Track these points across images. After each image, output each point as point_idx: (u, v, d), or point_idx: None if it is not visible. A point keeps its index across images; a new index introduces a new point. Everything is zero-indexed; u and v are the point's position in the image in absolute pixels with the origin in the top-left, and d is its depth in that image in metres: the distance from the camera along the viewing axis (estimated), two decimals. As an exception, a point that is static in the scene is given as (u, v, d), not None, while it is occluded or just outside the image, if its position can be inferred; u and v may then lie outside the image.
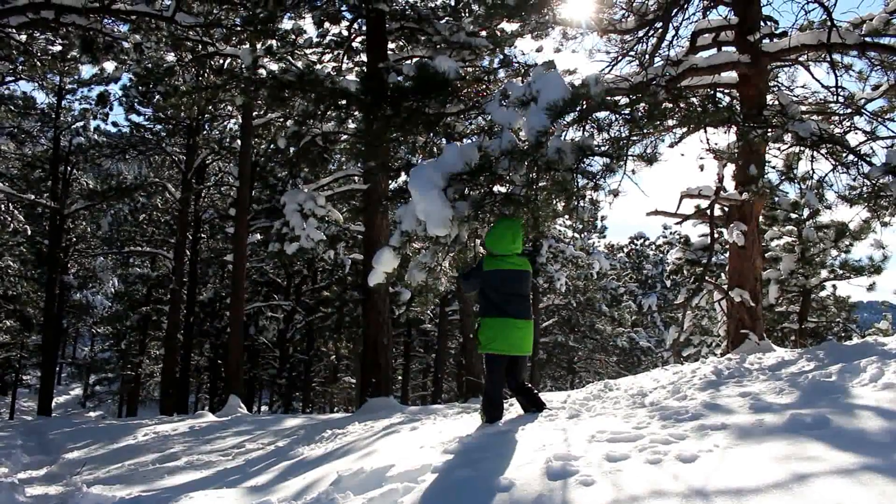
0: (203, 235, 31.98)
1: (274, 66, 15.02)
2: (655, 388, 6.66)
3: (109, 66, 21.67)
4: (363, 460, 5.73)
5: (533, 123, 6.50)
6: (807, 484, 3.19)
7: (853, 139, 11.45)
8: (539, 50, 15.87)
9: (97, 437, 13.39)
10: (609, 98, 7.54)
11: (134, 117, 28.18)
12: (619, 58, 11.78)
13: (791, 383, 5.42)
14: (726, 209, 10.54)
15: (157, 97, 24.64)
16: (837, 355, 6.45)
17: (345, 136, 15.75)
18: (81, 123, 27.83)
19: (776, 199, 17.84)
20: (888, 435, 3.75)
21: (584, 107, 6.97)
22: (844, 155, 8.62)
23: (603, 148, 6.76)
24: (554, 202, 6.84)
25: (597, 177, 6.48)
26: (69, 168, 28.56)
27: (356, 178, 18.12)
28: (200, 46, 17.78)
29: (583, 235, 34.04)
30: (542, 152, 6.22)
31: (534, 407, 6.19)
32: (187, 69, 21.11)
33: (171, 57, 19.58)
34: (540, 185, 6.69)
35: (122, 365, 35.92)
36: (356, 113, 12.92)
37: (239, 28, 17.04)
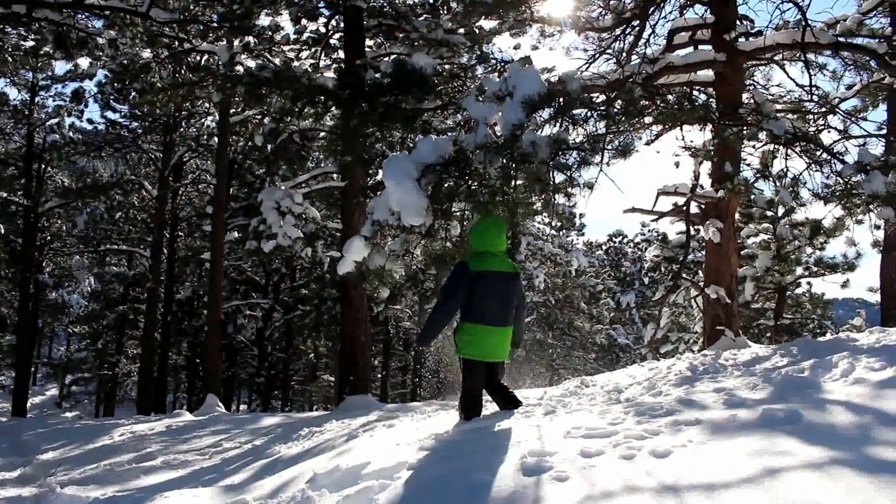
0: (180, 234, 31.77)
1: (251, 63, 14.92)
2: (631, 384, 6.69)
3: (84, 62, 21.42)
4: (339, 458, 5.71)
5: (508, 118, 6.50)
6: (777, 478, 3.22)
7: (827, 138, 11.58)
8: (517, 47, 15.94)
9: (73, 437, 13.26)
10: (585, 95, 7.57)
11: (110, 114, 27.94)
12: (597, 55, 11.85)
13: (765, 379, 5.46)
14: (702, 207, 10.62)
15: (133, 94, 24.42)
16: (810, 351, 6.50)
17: (322, 133, 15.69)
18: (56, 120, 27.52)
19: (752, 196, 17.97)
20: (857, 429, 3.78)
21: (561, 103, 6.98)
22: (818, 153, 8.70)
23: (578, 142, 6.78)
24: (530, 195, 6.84)
25: (572, 169, 6.48)
26: (43, 166, 28.22)
27: (334, 175, 18.07)
28: (177, 43, 17.64)
29: (561, 233, 34.17)
30: (516, 145, 6.22)
31: (510, 404, 6.18)
32: (163, 66, 20.91)
33: (147, 53, 19.40)
34: (516, 177, 6.69)
35: (99, 365, 35.59)
36: (333, 110, 12.86)
37: (216, 25, 16.94)
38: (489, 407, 6.59)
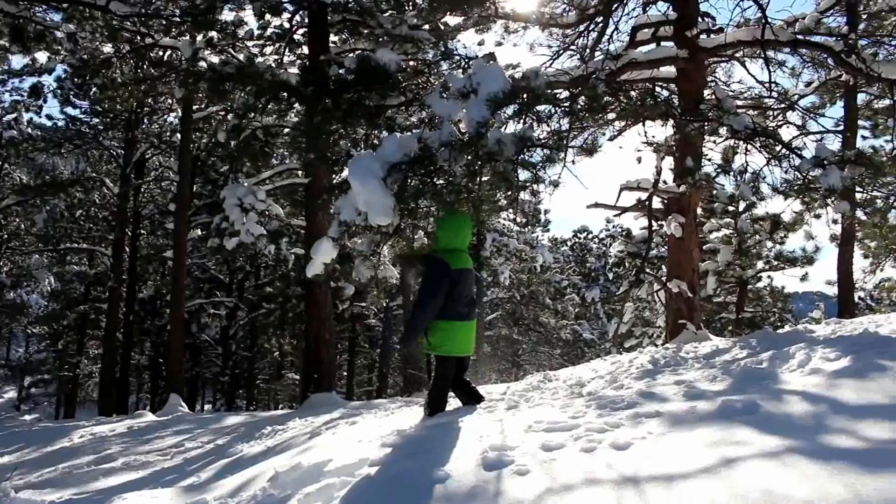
0: (143, 232, 31.32)
1: (214, 59, 14.73)
2: (594, 378, 6.73)
3: (42, 56, 20.96)
4: (301, 456, 5.67)
5: (473, 115, 6.48)
6: (734, 468, 3.25)
7: (786, 133, 11.76)
8: (481, 44, 15.98)
9: (30, 440, 12.99)
10: (549, 91, 7.58)
11: (70, 110, 27.48)
12: (561, 52, 11.90)
13: (724, 371, 5.52)
14: (665, 202, 10.72)
15: (94, 90, 23.96)
16: (769, 343, 6.59)
17: (286, 130, 15.55)
18: (13, 116, 26.93)
19: (714, 192, 18.21)
20: (813, 418, 3.84)
21: (525, 99, 6.99)
22: (777, 148, 8.82)
23: (543, 139, 6.79)
24: (496, 194, 6.85)
25: (537, 167, 6.49)
26: (0, 162, 27.66)
27: (298, 172, 17.93)
28: (138, 38, 17.35)
29: (526, 229, 34.28)
30: (482, 143, 6.21)
31: (472, 399, 6.19)
32: (125, 61, 20.56)
33: (107, 48, 19.06)
34: (481, 175, 6.68)
35: (60, 366, 34.95)
36: (297, 106, 12.74)
37: (178, 19, 16.70)
38: (452, 403, 6.59)
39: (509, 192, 6.72)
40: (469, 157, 6.37)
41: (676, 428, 4.06)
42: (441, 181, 6.55)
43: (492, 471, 3.76)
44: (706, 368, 5.88)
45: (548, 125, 7.42)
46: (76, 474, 8.61)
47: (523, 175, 6.64)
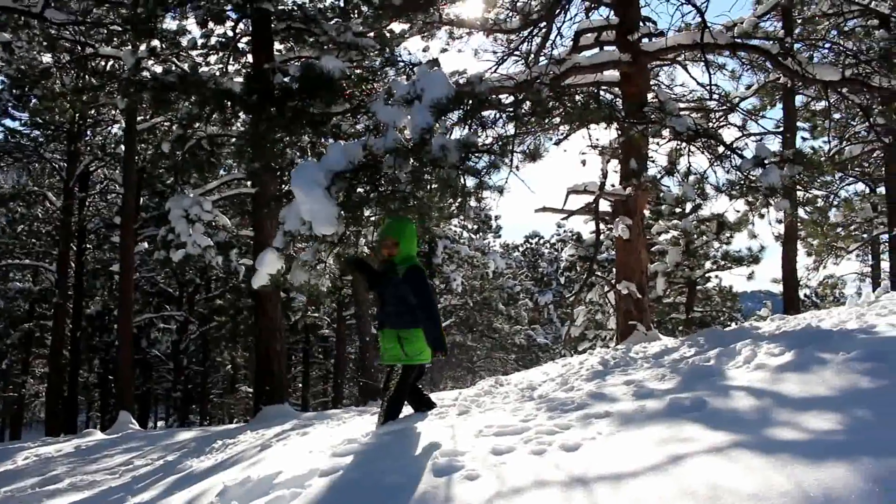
0: (89, 246, 30.62)
1: (158, 69, 14.49)
2: (545, 381, 6.75)
3: (-25, 67, 20.45)
4: (251, 469, 5.57)
5: (417, 121, 6.47)
6: (682, 465, 3.27)
7: (728, 135, 11.98)
8: (426, 50, 15.93)
9: (-28, 463, 12.60)
10: (494, 96, 7.61)
11: (8, 122, 26.75)
12: (505, 57, 11.96)
13: (672, 369, 5.58)
14: (612, 204, 10.83)
15: (34, 101, 23.39)
16: (716, 341, 6.68)
17: (232, 139, 15.35)
18: (-51, 130, 26.19)
19: (661, 194, 18.48)
20: (758, 413, 3.89)
21: (469, 105, 7.00)
22: (719, 149, 8.98)
23: (488, 145, 6.81)
24: (442, 200, 6.83)
25: (482, 173, 6.50)
26: (-63, 176, 26.88)
27: (245, 182, 17.73)
28: (79, 47, 17.00)
29: (478, 236, 34.38)
30: (426, 150, 6.19)
31: (424, 406, 6.16)
32: (66, 71, 20.12)
33: (46, 58, 18.64)
34: (426, 182, 6.66)
35: (4, 386, 33.97)
36: (242, 115, 12.59)
37: (120, 28, 16.39)
38: (404, 409, 6.54)
39: (455, 199, 6.70)
40: (414, 164, 6.34)
41: (626, 427, 4.08)
42: (386, 189, 6.52)
43: (442, 476, 3.73)
44: (655, 368, 5.94)
45: (493, 130, 7.44)
46: (19, 497, 8.35)
47: (469, 181, 6.63)
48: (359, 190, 6.48)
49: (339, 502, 3.84)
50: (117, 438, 13.79)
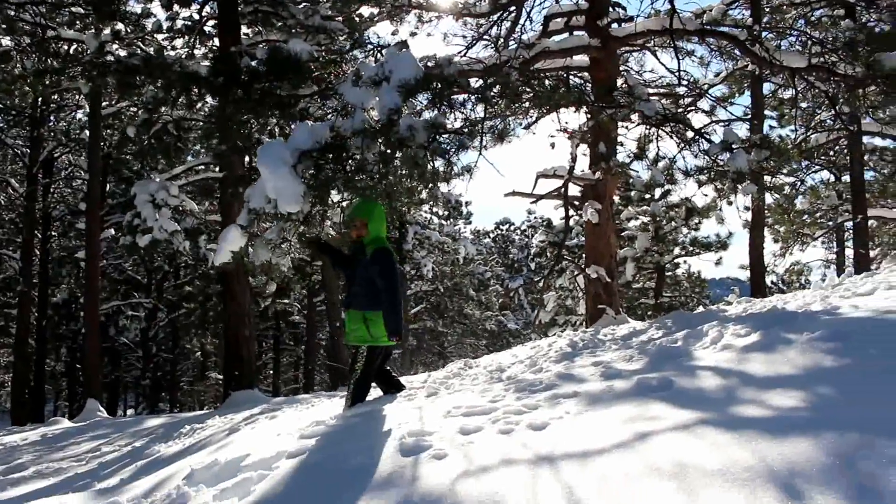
0: (53, 233, 30.14)
1: (123, 53, 14.24)
2: (514, 363, 6.76)
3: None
4: (218, 452, 5.52)
5: (385, 102, 6.43)
6: (648, 442, 3.29)
7: (696, 121, 12.05)
8: (394, 33, 15.83)
9: (-66, 452, 12.38)
10: (463, 79, 7.57)
11: (-33, 107, 26.14)
12: (474, 41, 11.92)
13: (640, 350, 5.61)
14: (581, 188, 10.85)
15: (-7, 85, 22.90)
16: (684, 323, 6.74)
17: (198, 124, 15.16)
18: None
19: (630, 180, 18.58)
20: (723, 391, 3.93)
21: (438, 87, 6.96)
22: (688, 134, 9.02)
23: (456, 126, 6.79)
24: (409, 181, 6.79)
25: (449, 153, 6.47)
26: None
27: (212, 166, 17.53)
28: (40, 30, 16.65)
29: (448, 221, 34.38)
30: (393, 130, 6.16)
31: (393, 388, 6.14)
32: (26, 55, 19.71)
33: (6, 41, 18.25)
34: (394, 163, 6.63)
35: (-32, 376, 33.50)
36: (208, 98, 12.42)
37: (83, 11, 16.09)
38: (371, 392, 6.52)
39: (423, 180, 6.67)
40: (382, 145, 6.30)
41: (593, 407, 4.10)
42: (353, 169, 6.47)
43: (409, 456, 3.72)
44: (623, 349, 5.97)
45: (461, 113, 7.41)
46: (-18, 485, 8.22)
47: (437, 163, 6.61)
48: (325, 169, 6.42)
49: (306, 483, 3.82)
50: (84, 426, 13.63)
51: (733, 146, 7.85)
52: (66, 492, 6.31)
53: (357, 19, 14.05)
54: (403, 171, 6.62)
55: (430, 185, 6.79)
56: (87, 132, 22.66)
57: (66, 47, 18.95)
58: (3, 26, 14.38)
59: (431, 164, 6.49)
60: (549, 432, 3.76)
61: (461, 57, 10.28)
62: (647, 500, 2.71)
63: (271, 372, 36.19)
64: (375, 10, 13.19)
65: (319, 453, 4.28)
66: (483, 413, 4.37)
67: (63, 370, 35.78)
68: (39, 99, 23.24)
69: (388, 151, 6.44)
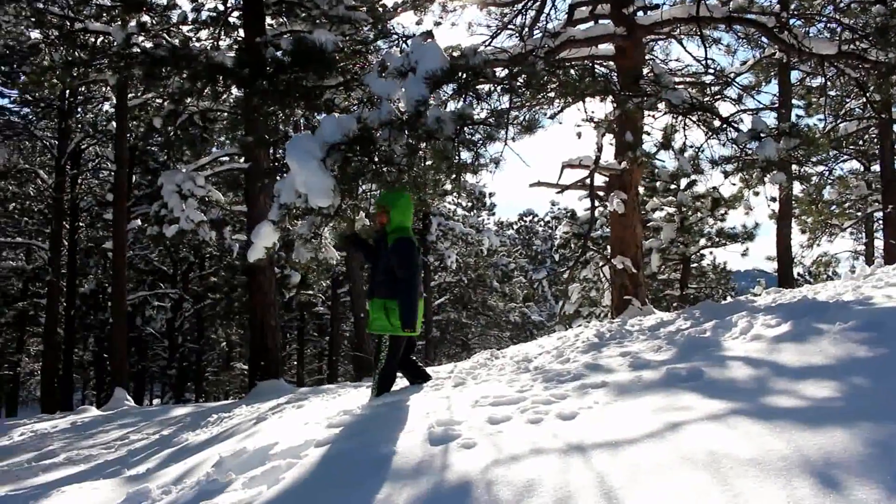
0: (81, 224, 30.44)
1: (149, 45, 14.33)
2: (540, 353, 6.74)
3: (-36, 43, 20.22)
4: (246, 441, 5.56)
5: (412, 93, 6.41)
6: (680, 432, 3.27)
7: (723, 110, 11.92)
8: (419, 23, 15.78)
9: (-33, 439, 12.59)
10: (488, 69, 7.53)
11: (-2, 100, 26.48)
12: (499, 31, 11.86)
13: (668, 341, 5.57)
14: (607, 178, 10.78)
15: (23, 78, 23.15)
16: (712, 313, 6.67)
17: (224, 114, 15.22)
18: (-64, 107, 25.89)
19: (655, 170, 18.44)
20: (755, 382, 3.88)
21: (464, 77, 6.93)
22: (715, 122, 8.92)
23: (483, 117, 6.75)
24: (437, 173, 6.78)
25: (478, 145, 6.45)
26: (-73, 155, 26.57)
27: (238, 157, 17.60)
28: (67, 23, 16.80)
29: (472, 213, 34.32)
30: (420, 122, 6.13)
31: (419, 379, 6.15)
32: (55, 47, 19.90)
33: (35, 34, 18.44)
34: (421, 153, 6.61)
35: (-1, 365, 33.97)
36: (233, 89, 12.46)
37: (109, 3, 16.20)
38: (398, 382, 6.54)
39: (451, 172, 6.64)
40: (409, 137, 6.28)
41: (622, 397, 4.07)
42: (381, 162, 6.46)
43: (438, 445, 3.72)
44: (651, 340, 5.92)
45: (487, 104, 7.38)
46: (15, 472, 8.34)
47: (464, 154, 6.59)
48: (354, 162, 6.41)
49: (335, 472, 3.84)
50: (113, 414, 13.80)
51: (762, 134, 7.75)
52: (96, 478, 6.39)
53: (380, 9, 14.02)
54: (431, 163, 6.60)
55: (458, 176, 6.76)
56: (114, 124, 22.87)
57: (93, 39, 19.11)
58: (33, 19, 14.51)
59: (459, 156, 6.47)
60: (579, 422, 3.74)
61: (486, 47, 10.24)
62: (681, 489, 2.68)
63: (295, 363, 36.37)
64: (399, 0, 13.18)
65: (348, 442, 4.29)
66: (511, 403, 4.36)
67: (91, 359, 36.20)
68: (67, 91, 23.46)
69: (416, 143, 6.42)
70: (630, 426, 3.48)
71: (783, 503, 2.42)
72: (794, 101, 18.18)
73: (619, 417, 3.68)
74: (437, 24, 12.41)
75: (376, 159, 6.60)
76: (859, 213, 22.94)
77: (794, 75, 18.46)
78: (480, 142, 6.70)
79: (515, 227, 51.47)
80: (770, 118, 17.23)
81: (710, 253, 23.97)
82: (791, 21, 11.22)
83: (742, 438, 3.01)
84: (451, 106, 7.52)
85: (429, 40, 7.29)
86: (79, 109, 26.64)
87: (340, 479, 3.70)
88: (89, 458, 8.59)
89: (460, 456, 3.51)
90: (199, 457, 5.74)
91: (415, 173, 6.64)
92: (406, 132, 6.45)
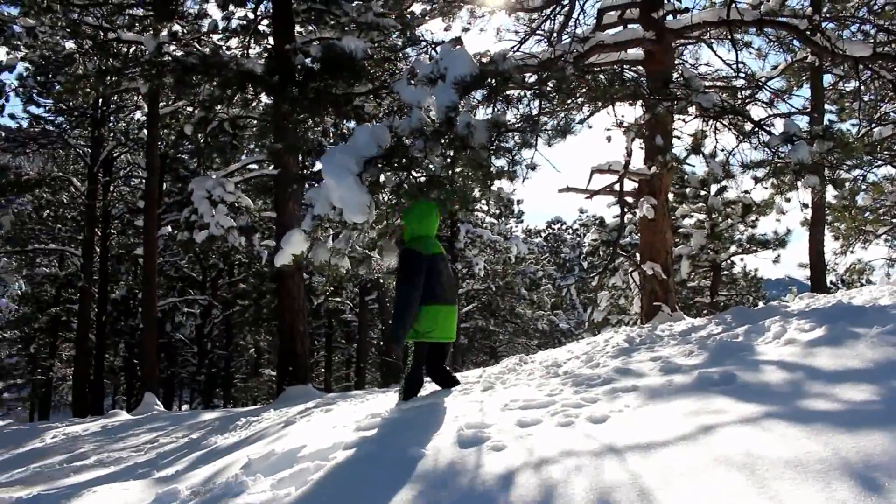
0: (113, 231, 30.85)
1: (180, 53, 14.51)
2: (569, 358, 6.69)
3: (1, 52, 20.56)
4: (274, 443, 5.56)
5: (442, 100, 6.41)
6: (713, 434, 3.21)
7: (755, 113, 11.78)
8: (447, 29, 15.80)
9: (1, 442, 12.76)
10: (518, 74, 7.52)
11: (33, 109, 26.89)
12: (528, 36, 11.85)
13: (700, 346, 5.50)
14: (636, 184, 10.71)
15: (57, 87, 23.54)
16: (744, 318, 6.58)
17: (253, 122, 15.34)
18: (-26, 115, 26.38)
19: (685, 176, 18.29)
20: (790, 385, 3.82)
21: (493, 83, 6.92)
22: (747, 126, 8.82)
23: (516, 124, 6.75)
24: (473, 183, 6.78)
25: (512, 152, 6.44)
26: (-37, 163, 27.06)
27: (267, 164, 17.73)
28: (101, 33, 17.06)
29: (500, 220, 34.25)
30: (452, 129, 6.13)
31: (448, 384, 6.13)
32: (88, 57, 20.24)
33: (69, 44, 18.75)
34: (457, 165, 6.60)
35: (32, 370, 34.41)
36: (264, 97, 12.54)
37: (141, 13, 16.44)
38: (427, 387, 6.51)
39: (485, 179, 6.63)
40: (443, 147, 6.28)
41: (654, 400, 4.02)
42: (419, 174, 6.46)
43: (468, 448, 3.69)
44: (682, 344, 5.85)
45: (518, 109, 7.37)
46: (47, 473, 8.45)
47: (498, 162, 6.59)
48: (391, 177, 6.43)
49: (364, 473, 3.82)
50: (142, 418, 13.91)
51: (794, 137, 7.65)
52: (126, 479, 6.43)
53: (409, 16, 14.05)
54: (467, 173, 6.59)
55: (490, 184, 6.75)
56: (146, 132, 23.16)
57: (125, 49, 19.41)
58: (68, 30, 14.77)
59: (492, 163, 6.46)
60: (610, 424, 3.70)
61: (514, 52, 10.23)
62: (716, 490, 2.64)
63: (323, 370, 36.50)
64: (427, 7, 13.21)
65: (377, 444, 4.27)
66: (541, 406, 4.32)
67: (121, 365, 36.58)
68: (100, 100, 23.84)
69: (451, 154, 6.42)
70: (662, 429, 3.43)
71: (822, 506, 2.37)
72: (826, 107, 17.93)
73: (650, 420, 3.63)
74: (466, 30, 12.44)
75: (413, 173, 6.60)
76: (894, 220, 22.56)
77: (826, 80, 18.22)
78: (515, 148, 6.70)
79: (543, 234, 51.32)
80: (802, 123, 17.02)
81: (741, 260, 23.71)
82: (823, 24, 11.10)
83: (778, 441, 2.95)
84: (481, 112, 7.54)
85: (458, 47, 7.30)
86: (111, 118, 27.05)
87: (369, 481, 3.68)
88: (119, 461, 8.67)
89: (491, 458, 3.48)
90: (228, 459, 5.76)
91: (454, 185, 6.63)
92: (441, 142, 6.44)
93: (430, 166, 6.66)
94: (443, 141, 6.41)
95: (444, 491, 3.21)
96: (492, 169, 6.65)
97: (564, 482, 3.00)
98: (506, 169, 6.78)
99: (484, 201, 29.13)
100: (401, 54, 13.25)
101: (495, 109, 7.14)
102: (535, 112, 7.51)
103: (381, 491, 3.47)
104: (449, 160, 6.66)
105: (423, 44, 12.46)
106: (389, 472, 3.69)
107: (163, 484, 5.46)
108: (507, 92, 7.29)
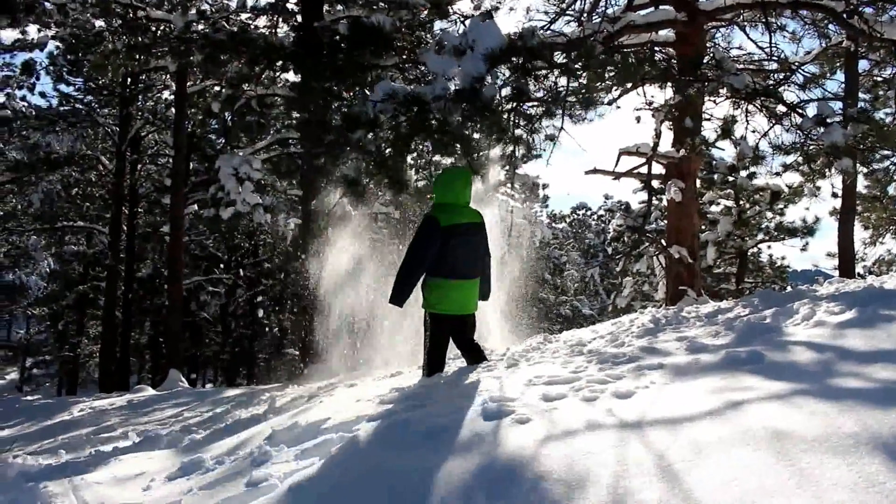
0: (140, 210, 31.08)
1: (208, 31, 14.53)
2: (594, 338, 6.65)
3: (33, 30, 20.70)
4: (298, 416, 5.60)
5: (469, 69, 6.36)
6: (741, 410, 3.17)
7: (787, 97, 11.56)
8: (477, 8, 15.68)
9: (31, 415, 12.99)
10: (546, 51, 7.44)
11: (63, 87, 27.12)
12: (557, 16, 11.70)
13: (727, 327, 5.44)
14: (664, 167, 10.59)
15: (87, 66, 23.74)
16: (772, 301, 6.49)
17: (279, 101, 15.35)
18: (6, 93, 26.61)
19: (713, 162, 18.08)
20: (819, 365, 3.76)
21: (521, 58, 6.86)
22: (779, 108, 8.69)
23: (541, 97, 6.69)
24: (488, 141, 6.70)
25: (534, 120, 6.38)
26: (-6, 140, 27.35)
27: (293, 142, 17.73)
28: (130, 11, 17.16)
29: (524, 204, 34.13)
30: (477, 97, 6.09)
31: (478, 362, 6.11)
32: (118, 36, 20.35)
33: (99, 23, 18.88)
34: (475, 124, 6.53)
35: (60, 346, 34.88)
36: (291, 72, 12.52)
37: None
38: (452, 364, 6.51)
39: (502, 141, 6.56)
40: (464, 111, 6.23)
41: (680, 378, 3.98)
42: (435, 125, 6.38)
43: (491, 420, 3.68)
44: (708, 325, 5.79)
45: (544, 85, 7.31)
46: (74, 443, 8.58)
47: (519, 131, 6.53)
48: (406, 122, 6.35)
49: (386, 443, 3.82)
50: (167, 394, 14.09)
51: (828, 120, 7.52)
52: (152, 450, 6.50)
53: (438, -5, 13.96)
54: (484, 132, 6.53)
55: (512, 152, 6.70)
56: (173, 111, 23.29)
57: (154, 28, 19.49)
58: (98, 8, 14.85)
59: (513, 129, 6.41)
60: (635, 400, 3.66)
61: (545, 30, 10.14)
62: (744, 465, 2.60)
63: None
64: (457, -15, 13.14)
65: (399, 416, 4.27)
66: (566, 382, 4.29)
67: (147, 343, 36.97)
68: (129, 79, 23.98)
69: (471, 114, 6.35)
70: (689, 405, 3.40)
71: (853, 480, 2.33)
72: (860, 95, 17.61)
73: (677, 397, 3.60)
74: (496, 8, 12.33)
75: (428, 122, 6.49)
76: (927, 211, 22.20)
77: (862, 66, 17.89)
78: (537, 117, 6.64)
79: (568, 220, 51.10)
80: (836, 108, 16.72)
81: (769, 247, 23.46)
82: (861, 7, 10.87)
83: (807, 417, 2.90)
84: (507, 90, 7.47)
85: (487, 20, 7.24)
86: (139, 97, 27.21)
87: (392, 452, 3.68)
88: (144, 433, 8.77)
89: (514, 430, 3.47)
90: (252, 431, 5.81)
91: (468, 141, 6.56)
92: (462, 105, 6.37)
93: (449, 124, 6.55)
94: (464, 105, 6.34)
95: (466, 459, 3.20)
96: (510, 133, 6.57)
97: (588, 454, 2.98)
98: (525, 136, 6.72)
99: (508, 183, 29.01)
100: (429, 27, 13.12)
101: (523, 82, 7.07)
102: (561, 88, 7.44)
103: (403, 461, 3.47)
104: (468, 115, 6.55)
105: (453, 17, 12.37)
106: (412, 443, 3.69)
107: (188, 453, 5.51)
108: (535, 71, 7.23)
